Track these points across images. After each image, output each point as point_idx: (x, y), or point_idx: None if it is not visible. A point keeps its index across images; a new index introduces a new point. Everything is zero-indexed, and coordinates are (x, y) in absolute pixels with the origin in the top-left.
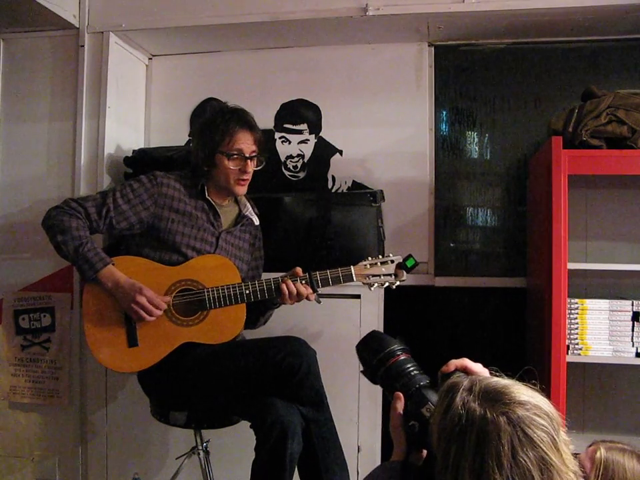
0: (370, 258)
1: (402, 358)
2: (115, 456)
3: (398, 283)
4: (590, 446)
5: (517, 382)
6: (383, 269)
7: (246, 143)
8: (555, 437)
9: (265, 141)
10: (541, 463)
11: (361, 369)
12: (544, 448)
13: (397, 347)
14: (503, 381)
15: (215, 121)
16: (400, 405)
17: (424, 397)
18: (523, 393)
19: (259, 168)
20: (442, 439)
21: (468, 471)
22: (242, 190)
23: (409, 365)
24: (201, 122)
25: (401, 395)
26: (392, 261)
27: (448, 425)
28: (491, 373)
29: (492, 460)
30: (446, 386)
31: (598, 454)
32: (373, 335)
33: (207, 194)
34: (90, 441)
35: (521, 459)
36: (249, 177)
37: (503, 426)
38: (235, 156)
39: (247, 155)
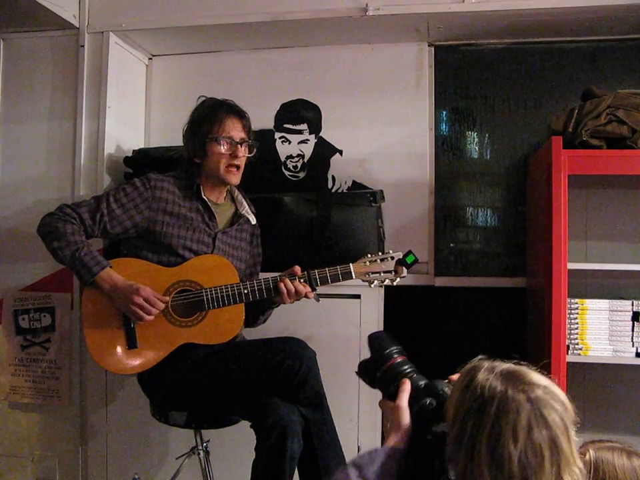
0: (369, 255)
1: (399, 360)
2: (114, 456)
3: (398, 279)
4: (580, 448)
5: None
6: (383, 266)
7: (235, 129)
8: (568, 425)
9: (259, 141)
10: (552, 444)
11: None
12: (557, 431)
13: (394, 350)
14: (523, 367)
15: (203, 112)
16: (408, 387)
17: (439, 381)
18: (541, 378)
19: (251, 155)
20: (459, 414)
21: (485, 443)
22: (234, 179)
23: (406, 367)
24: (190, 117)
25: (408, 380)
26: (392, 257)
27: (468, 399)
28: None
29: (509, 431)
30: (467, 367)
31: (587, 456)
32: (372, 337)
33: (202, 193)
34: (90, 441)
35: (536, 436)
36: (240, 163)
37: (522, 402)
38: (225, 140)
39: (237, 140)
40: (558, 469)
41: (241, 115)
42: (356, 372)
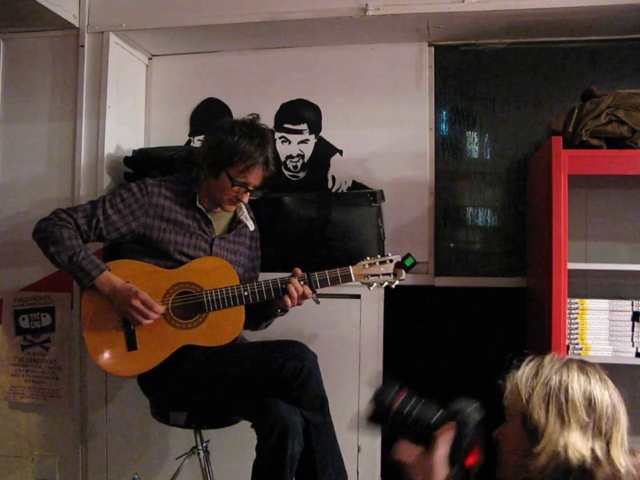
0: (369, 258)
1: (401, 399)
2: (114, 456)
3: (397, 282)
4: None
5: None
6: (382, 269)
7: (255, 178)
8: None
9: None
10: (622, 404)
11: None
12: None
13: (393, 392)
14: None
15: (240, 140)
16: (450, 435)
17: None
18: None
19: (253, 198)
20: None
21: (577, 390)
22: (231, 209)
23: (412, 401)
24: (228, 126)
25: (447, 433)
26: (391, 260)
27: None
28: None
29: (599, 380)
30: (530, 360)
31: None
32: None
33: (198, 202)
34: (90, 441)
35: (614, 392)
36: (240, 203)
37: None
38: (238, 186)
39: (250, 188)
40: (621, 434)
41: (268, 165)
42: (366, 421)
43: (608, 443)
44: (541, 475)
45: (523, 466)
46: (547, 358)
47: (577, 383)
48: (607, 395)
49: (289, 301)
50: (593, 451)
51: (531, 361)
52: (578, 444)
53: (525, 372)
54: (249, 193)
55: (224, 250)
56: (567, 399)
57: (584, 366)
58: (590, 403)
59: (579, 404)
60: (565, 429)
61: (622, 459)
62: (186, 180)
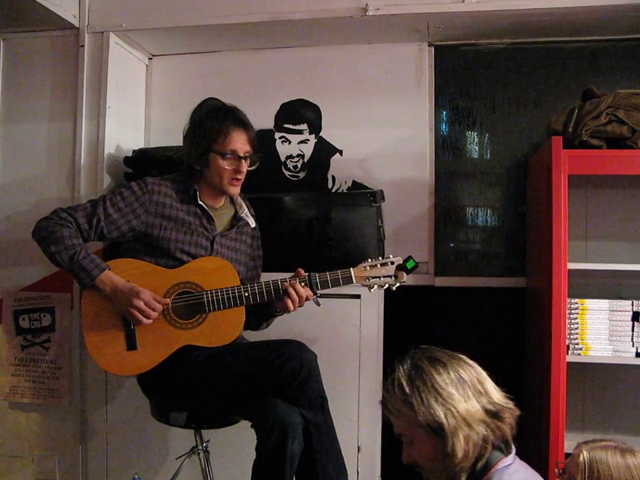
0: (370, 259)
1: None
2: (114, 456)
3: (398, 284)
4: (574, 449)
5: None
6: (383, 271)
7: (240, 142)
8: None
9: (259, 141)
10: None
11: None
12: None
13: None
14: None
15: (207, 119)
16: None
17: None
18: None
19: (252, 168)
20: None
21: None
22: (235, 190)
23: None
24: (194, 120)
25: None
26: (392, 262)
27: None
28: None
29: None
30: (389, 382)
31: (581, 457)
32: None
33: (199, 198)
34: (90, 441)
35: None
36: (242, 176)
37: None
38: (229, 156)
39: (241, 155)
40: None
41: (246, 126)
42: None
43: (489, 394)
44: (467, 460)
45: (448, 465)
46: (400, 372)
47: (440, 378)
48: (466, 367)
49: (289, 302)
50: (485, 409)
51: (391, 382)
52: (472, 414)
53: (396, 394)
54: (243, 161)
55: (225, 248)
56: (441, 394)
57: (432, 355)
58: (459, 382)
59: (453, 389)
60: (456, 413)
61: (501, 397)
62: (186, 177)
